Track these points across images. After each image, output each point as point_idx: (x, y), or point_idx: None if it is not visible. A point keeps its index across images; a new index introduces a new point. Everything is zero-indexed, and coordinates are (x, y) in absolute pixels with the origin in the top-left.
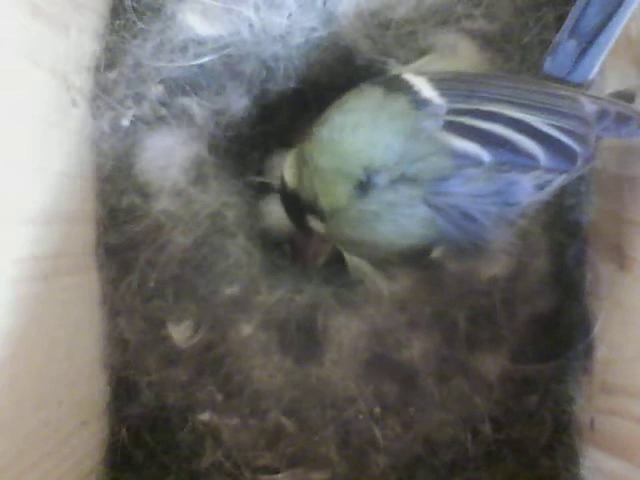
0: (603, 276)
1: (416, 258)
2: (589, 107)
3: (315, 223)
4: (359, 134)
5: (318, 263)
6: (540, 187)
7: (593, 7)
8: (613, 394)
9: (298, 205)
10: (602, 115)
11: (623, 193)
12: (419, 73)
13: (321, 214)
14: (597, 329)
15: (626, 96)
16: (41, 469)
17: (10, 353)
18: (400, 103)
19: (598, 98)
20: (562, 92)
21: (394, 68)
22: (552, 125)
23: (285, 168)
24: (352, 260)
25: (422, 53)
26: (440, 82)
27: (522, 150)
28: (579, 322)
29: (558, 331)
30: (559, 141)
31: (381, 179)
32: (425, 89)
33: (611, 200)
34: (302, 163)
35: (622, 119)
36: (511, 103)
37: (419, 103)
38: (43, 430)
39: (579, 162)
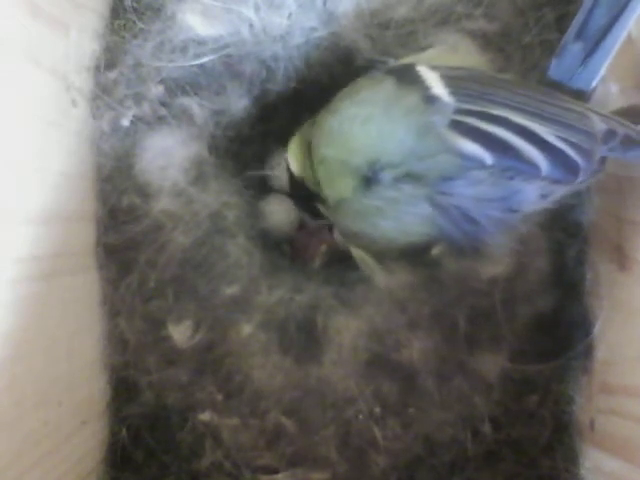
0: (603, 276)
1: (415, 254)
2: (599, 125)
3: (323, 210)
4: (369, 127)
5: (317, 264)
6: (544, 196)
7: (599, 9)
8: (613, 394)
9: (306, 192)
10: (610, 135)
11: (623, 193)
12: (433, 67)
13: (325, 203)
14: (597, 329)
15: (636, 112)
16: (41, 469)
17: (10, 353)
18: (412, 98)
19: (609, 117)
20: (574, 106)
21: (406, 57)
22: (558, 136)
23: (289, 156)
24: (355, 250)
25: (424, 51)
26: (453, 80)
27: (525, 157)
28: (579, 322)
29: (558, 331)
30: (563, 153)
31: (386, 176)
32: (436, 85)
33: (611, 200)
34: (307, 151)
35: (629, 142)
36: (520, 110)
37: (429, 99)
38: (43, 430)
39: (581, 176)
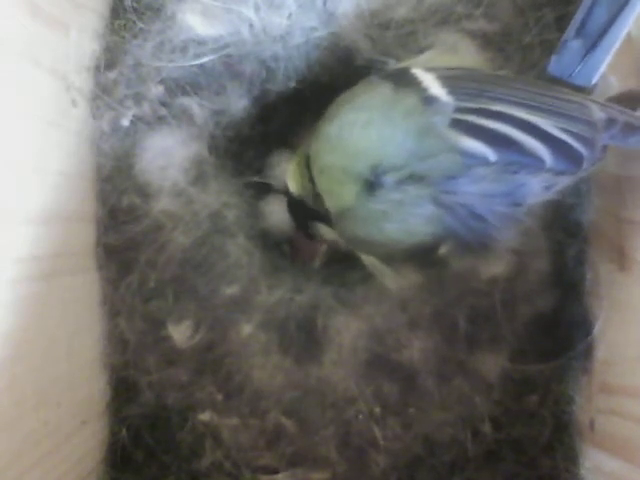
0: (603, 276)
1: (424, 255)
2: (598, 114)
3: (323, 229)
4: (370, 131)
5: (316, 264)
6: (548, 188)
7: (599, 7)
8: (613, 394)
9: (304, 212)
10: (610, 123)
11: (623, 193)
12: (429, 69)
13: (328, 217)
14: (597, 329)
15: (633, 97)
16: (41, 469)
17: (10, 353)
18: (410, 100)
19: (607, 106)
20: (572, 97)
21: (402, 61)
22: (560, 128)
23: (288, 176)
24: (365, 257)
25: (422, 53)
26: (449, 80)
27: (528, 151)
28: (579, 322)
29: (558, 331)
30: (566, 143)
31: (389, 179)
32: (434, 86)
33: (611, 200)
34: (306, 165)
35: (630, 129)
36: (520, 104)
37: (427, 100)
38: (43, 430)
39: (585, 165)
